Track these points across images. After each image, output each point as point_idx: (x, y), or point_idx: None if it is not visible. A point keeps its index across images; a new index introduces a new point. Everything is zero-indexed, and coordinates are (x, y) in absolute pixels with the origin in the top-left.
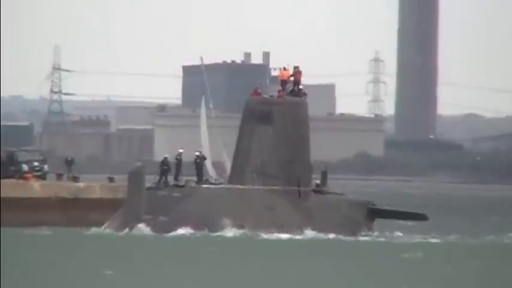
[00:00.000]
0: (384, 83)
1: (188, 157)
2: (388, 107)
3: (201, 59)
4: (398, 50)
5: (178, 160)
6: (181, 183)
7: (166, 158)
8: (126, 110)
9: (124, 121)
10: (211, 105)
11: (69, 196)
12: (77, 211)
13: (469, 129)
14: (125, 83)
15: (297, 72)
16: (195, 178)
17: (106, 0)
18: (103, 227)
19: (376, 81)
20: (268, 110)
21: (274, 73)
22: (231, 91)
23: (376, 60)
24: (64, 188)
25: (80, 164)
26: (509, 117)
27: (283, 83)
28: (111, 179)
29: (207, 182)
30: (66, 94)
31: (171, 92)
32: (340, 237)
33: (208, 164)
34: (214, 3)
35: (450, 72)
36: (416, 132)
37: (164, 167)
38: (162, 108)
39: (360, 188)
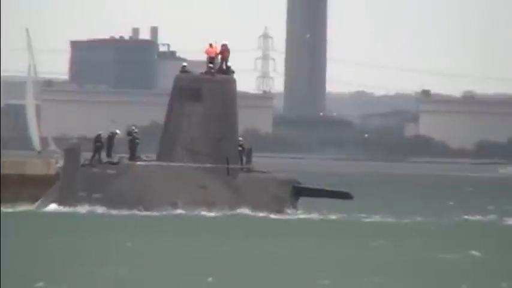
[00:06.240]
0: (273, 59)
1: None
2: (278, 84)
3: (27, 30)
4: (287, 27)
5: (111, 137)
6: (115, 161)
7: (99, 134)
8: (13, 85)
9: (11, 96)
10: (34, 74)
11: None
12: None
13: (359, 106)
14: (12, 58)
15: (225, 49)
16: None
17: None
18: (36, 204)
19: (264, 57)
20: (198, 88)
21: (162, 49)
22: (120, 67)
23: (265, 36)
24: None
25: None
26: (399, 94)
27: (211, 60)
28: None
29: (140, 159)
30: None
31: (58, 68)
32: (269, 214)
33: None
34: None
35: (340, 49)
36: (305, 110)
37: (97, 143)
38: (49, 83)
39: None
